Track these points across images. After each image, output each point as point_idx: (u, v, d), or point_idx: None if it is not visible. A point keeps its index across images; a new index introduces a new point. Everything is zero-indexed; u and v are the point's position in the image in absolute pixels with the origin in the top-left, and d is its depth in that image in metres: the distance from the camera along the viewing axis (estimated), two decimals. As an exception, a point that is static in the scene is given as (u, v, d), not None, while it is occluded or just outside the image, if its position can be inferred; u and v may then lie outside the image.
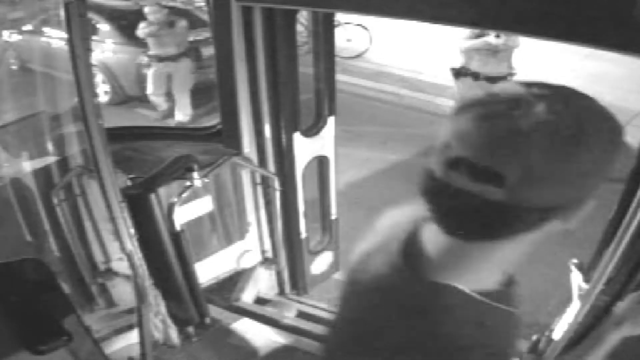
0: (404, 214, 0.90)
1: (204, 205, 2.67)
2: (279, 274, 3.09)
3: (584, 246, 1.87)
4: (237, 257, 2.92)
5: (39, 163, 2.47)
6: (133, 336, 2.34)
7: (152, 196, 2.15)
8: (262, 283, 3.09)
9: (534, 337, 1.86)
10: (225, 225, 2.85)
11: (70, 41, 1.75)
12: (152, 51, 6.01)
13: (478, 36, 4.73)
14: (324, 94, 2.67)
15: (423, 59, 7.75)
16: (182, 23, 6.05)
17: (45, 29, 5.79)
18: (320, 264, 3.11)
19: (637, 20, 1.19)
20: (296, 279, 3.09)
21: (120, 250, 2.20)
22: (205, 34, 6.20)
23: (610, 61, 6.50)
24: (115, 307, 2.74)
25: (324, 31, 2.53)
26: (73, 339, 1.42)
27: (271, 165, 2.69)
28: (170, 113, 6.36)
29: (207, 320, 2.59)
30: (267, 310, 2.91)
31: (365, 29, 8.06)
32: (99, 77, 6.43)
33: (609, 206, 1.57)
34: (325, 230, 3.10)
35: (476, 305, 0.75)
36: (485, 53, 4.83)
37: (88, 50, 1.84)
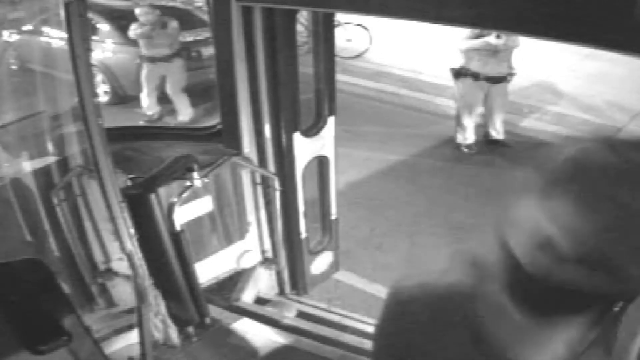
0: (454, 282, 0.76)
1: (204, 205, 2.66)
2: (279, 274, 3.08)
3: None
4: (237, 257, 2.92)
5: (39, 163, 2.47)
6: (133, 336, 2.34)
7: (152, 196, 2.16)
8: (262, 283, 3.08)
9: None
10: (225, 225, 2.85)
11: (70, 41, 1.76)
12: (144, 52, 5.98)
13: (478, 36, 4.73)
14: (324, 94, 2.67)
15: (423, 59, 7.75)
16: (174, 24, 6.01)
17: (45, 29, 5.79)
18: (320, 264, 3.11)
19: (637, 20, 1.19)
20: (296, 279, 3.08)
21: (120, 250, 2.20)
22: (205, 34, 6.20)
23: (610, 61, 6.49)
24: (115, 307, 2.74)
25: (324, 31, 2.54)
26: (73, 339, 1.42)
27: (271, 165, 2.69)
28: (160, 117, 6.33)
29: (207, 320, 2.59)
30: (267, 310, 2.91)
31: (365, 29, 8.07)
32: (99, 77, 6.43)
33: None
34: (325, 230, 3.10)
35: None
36: (485, 53, 4.83)
37: (88, 50, 1.85)
